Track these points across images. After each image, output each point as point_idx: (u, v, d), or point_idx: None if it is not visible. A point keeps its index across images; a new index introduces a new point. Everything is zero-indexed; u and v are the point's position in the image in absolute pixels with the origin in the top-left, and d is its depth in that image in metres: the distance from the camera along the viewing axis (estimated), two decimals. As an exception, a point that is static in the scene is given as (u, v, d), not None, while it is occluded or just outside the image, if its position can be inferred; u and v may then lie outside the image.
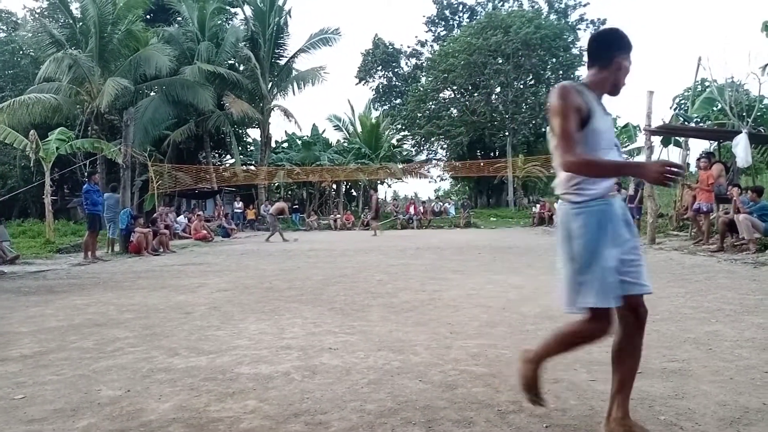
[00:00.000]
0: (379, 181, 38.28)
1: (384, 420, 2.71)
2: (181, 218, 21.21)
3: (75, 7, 24.60)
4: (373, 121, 39.36)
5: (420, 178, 39.73)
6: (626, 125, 28.39)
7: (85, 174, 18.34)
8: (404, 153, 42.83)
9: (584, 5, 44.33)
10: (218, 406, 2.95)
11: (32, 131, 16.13)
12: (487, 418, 2.70)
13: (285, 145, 38.11)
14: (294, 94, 31.80)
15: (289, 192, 39.90)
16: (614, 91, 2.48)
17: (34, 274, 9.78)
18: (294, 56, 31.70)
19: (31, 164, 18.06)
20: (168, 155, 28.30)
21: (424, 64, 47.16)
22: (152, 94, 27.11)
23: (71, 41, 22.92)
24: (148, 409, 2.92)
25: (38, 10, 30.27)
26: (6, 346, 4.44)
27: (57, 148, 16.49)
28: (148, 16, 28.37)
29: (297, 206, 32.76)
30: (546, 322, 4.89)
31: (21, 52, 28.90)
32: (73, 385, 3.36)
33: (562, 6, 44.37)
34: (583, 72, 40.77)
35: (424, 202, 34.03)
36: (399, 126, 43.07)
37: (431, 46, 48.55)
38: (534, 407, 2.75)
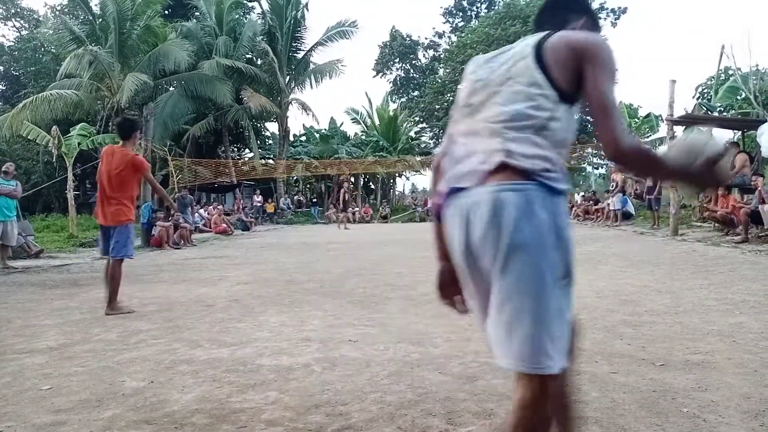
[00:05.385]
0: (397, 174, 38.19)
1: (404, 411, 2.72)
2: (201, 212, 21.37)
3: (95, 4, 24.78)
4: (391, 113, 39.20)
5: (438, 170, 39.29)
6: (648, 115, 27.95)
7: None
8: (422, 145, 42.60)
9: (604, -6, 43.65)
10: (240, 397, 2.98)
11: (54, 127, 16.27)
12: (507, 410, 2.68)
13: (303, 138, 38.21)
14: (312, 87, 31.79)
15: (308, 185, 40.02)
16: None
17: (58, 268, 9.93)
18: (311, 49, 31.66)
19: (54, 160, 18.28)
20: (187, 150, 28.54)
21: (441, 56, 46.75)
22: (171, 89, 27.26)
23: (91, 38, 23.07)
24: (172, 400, 2.97)
25: (59, 7, 30.54)
26: (32, 338, 4.53)
27: (78, 144, 16.65)
28: (166, 12, 28.47)
29: (315, 200, 33.03)
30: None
31: (42, 49, 29.21)
32: (98, 377, 3.42)
33: (582, -6, 43.60)
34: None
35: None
36: (417, 118, 42.84)
37: (449, 37, 48.14)
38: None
